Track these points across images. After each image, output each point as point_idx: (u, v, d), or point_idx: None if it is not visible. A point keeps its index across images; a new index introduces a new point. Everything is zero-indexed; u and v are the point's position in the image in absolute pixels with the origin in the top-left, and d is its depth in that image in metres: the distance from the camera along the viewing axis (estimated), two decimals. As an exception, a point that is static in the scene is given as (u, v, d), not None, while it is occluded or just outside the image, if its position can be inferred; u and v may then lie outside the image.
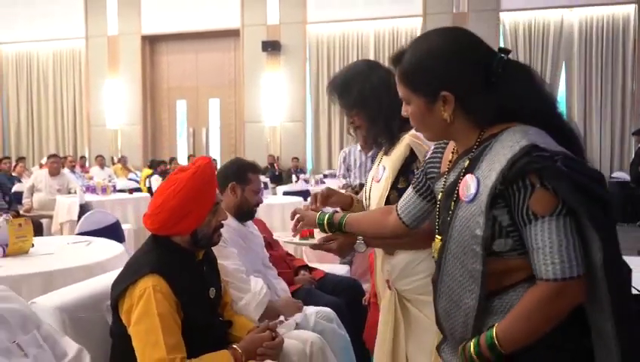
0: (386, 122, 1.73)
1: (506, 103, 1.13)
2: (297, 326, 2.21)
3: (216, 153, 12.95)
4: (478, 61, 1.15)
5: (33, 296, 1.77)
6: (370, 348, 2.74)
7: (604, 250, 1.00)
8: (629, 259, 3.79)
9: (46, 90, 13.89)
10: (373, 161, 2.10)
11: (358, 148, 4.63)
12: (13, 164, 9.23)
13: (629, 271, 1.09)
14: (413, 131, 1.68)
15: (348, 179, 4.80)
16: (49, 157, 7.27)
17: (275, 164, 11.44)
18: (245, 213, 2.46)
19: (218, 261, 2.09)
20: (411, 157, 1.70)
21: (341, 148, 11.79)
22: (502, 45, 8.61)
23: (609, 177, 10.11)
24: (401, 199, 1.47)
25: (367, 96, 1.74)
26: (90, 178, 9.21)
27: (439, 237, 1.22)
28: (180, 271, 1.70)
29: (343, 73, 1.85)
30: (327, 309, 2.46)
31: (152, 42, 13.26)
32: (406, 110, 1.25)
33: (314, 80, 11.94)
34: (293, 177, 10.17)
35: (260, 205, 2.61)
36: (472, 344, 1.11)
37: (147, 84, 13.31)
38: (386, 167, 1.77)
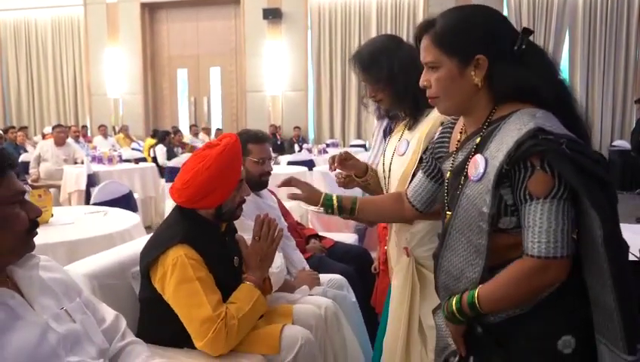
0: (413, 98, 1.72)
1: (523, 81, 1.17)
2: (311, 293, 2.31)
3: (217, 122, 12.96)
4: (507, 34, 1.20)
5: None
6: (379, 311, 2.87)
7: (604, 228, 1.06)
8: (628, 227, 3.88)
9: (45, 58, 13.79)
10: (385, 135, 2.14)
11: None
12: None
13: (627, 247, 1.17)
14: None
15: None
16: (54, 127, 7.29)
17: (277, 134, 11.46)
18: (252, 184, 2.42)
19: (239, 233, 2.18)
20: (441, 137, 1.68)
21: (343, 117, 11.82)
22: (505, 13, 8.51)
23: (609, 145, 10.18)
24: (411, 186, 1.51)
25: (395, 72, 1.73)
26: (94, 147, 9.25)
27: (450, 213, 1.26)
28: (207, 242, 1.78)
29: (370, 47, 1.82)
30: (339, 276, 2.56)
31: (151, 10, 13.11)
32: (427, 79, 1.25)
33: (315, 49, 11.85)
34: (296, 147, 10.21)
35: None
36: (454, 300, 1.21)
37: (147, 53, 13.21)
38: (410, 141, 1.78)
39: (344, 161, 1.93)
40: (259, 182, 2.49)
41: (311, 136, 12.17)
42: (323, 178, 5.45)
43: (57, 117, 13.60)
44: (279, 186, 1.69)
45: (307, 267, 2.60)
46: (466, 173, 1.21)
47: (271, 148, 2.63)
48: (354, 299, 2.51)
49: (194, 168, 1.78)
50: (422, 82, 1.27)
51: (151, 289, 1.75)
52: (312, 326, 1.92)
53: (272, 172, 2.57)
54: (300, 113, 12.08)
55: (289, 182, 1.64)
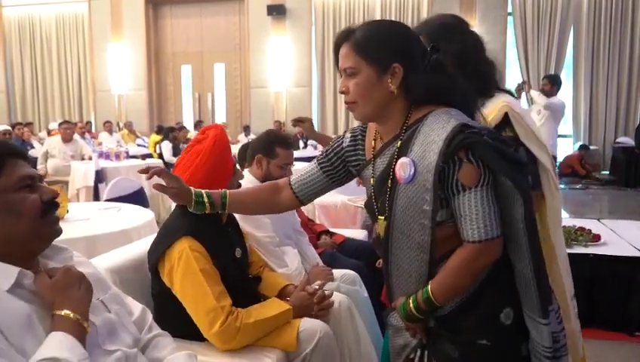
0: (484, 80, 1.65)
1: (436, 85, 1.27)
2: (325, 288, 2.34)
3: (222, 118, 12.98)
4: (419, 48, 1.30)
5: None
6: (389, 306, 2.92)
7: (525, 205, 1.19)
8: (632, 224, 3.91)
9: (50, 54, 13.81)
10: None
11: None
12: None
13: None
14: (503, 98, 1.64)
15: None
16: (61, 123, 7.34)
17: (281, 130, 11.48)
18: None
19: (250, 229, 2.22)
20: (501, 125, 1.61)
21: (347, 113, 11.83)
22: (510, 10, 8.55)
23: (613, 142, 10.19)
24: (298, 175, 1.52)
25: (468, 50, 1.63)
26: (99, 143, 9.31)
27: (382, 217, 1.33)
28: (210, 233, 1.81)
29: (441, 19, 1.71)
30: (351, 272, 2.59)
31: (155, 6, 13.12)
32: (345, 85, 1.30)
33: (319, 45, 11.86)
34: (300, 143, 10.24)
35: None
36: (410, 300, 1.29)
37: (151, 49, 13.22)
38: None
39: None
40: None
41: (315, 132, 12.17)
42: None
43: (62, 113, 13.63)
44: (146, 174, 1.45)
45: (320, 262, 2.63)
46: (393, 177, 1.28)
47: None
48: (366, 294, 2.55)
49: (191, 165, 1.81)
50: (340, 88, 1.33)
51: (161, 284, 1.79)
52: (329, 321, 1.96)
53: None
54: (304, 109, 12.09)
55: (159, 173, 1.45)
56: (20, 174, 1.16)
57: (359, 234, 3.53)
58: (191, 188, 1.48)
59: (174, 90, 13.53)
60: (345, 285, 2.44)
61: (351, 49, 1.29)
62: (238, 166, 1.99)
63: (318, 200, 5.67)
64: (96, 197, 6.06)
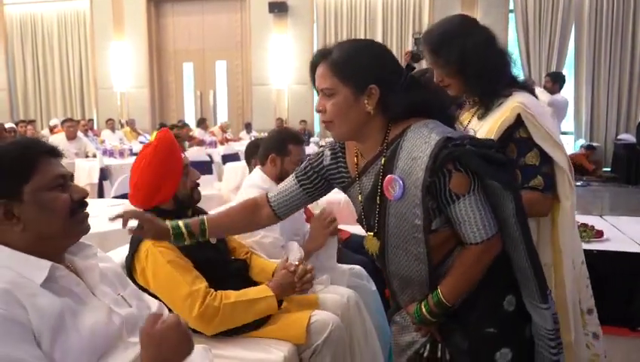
0: (487, 83, 1.62)
1: (414, 100, 1.30)
2: (332, 282, 2.38)
3: (223, 116, 13.01)
4: (395, 68, 1.33)
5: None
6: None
7: (515, 201, 1.26)
8: (634, 220, 3.91)
9: (51, 52, 13.83)
10: None
11: None
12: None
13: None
14: (519, 98, 1.61)
15: None
16: (64, 121, 7.37)
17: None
18: None
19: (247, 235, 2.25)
20: (515, 126, 1.59)
21: (348, 110, 11.84)
22: (511, 7, 8.57)
23: (615, 139, 10.20)
24: (277, 192, 1.53)
25: (468, 55, 1.60)
26: (102, 141, 9.32)
27: (371, 234, 1.38)
28: None
29: (441, 27, 1.70)
30: (358, 267, 2.63)
31: (157, 3, 13.13)
32: (322, 105, 1.31)
33: (321, 42, 11.82)
34: (303, 140, 10.23)
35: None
36: (422, 305, 1.35)
37: (153, 47, 13.23)
38: (477, 131, 1.63)
39: None
40: None
41: (316, 129, 12.21)
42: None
43: (64, 111, 13.65)
44: (119, 219, 1.42)
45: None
46: (381, 195, 1.32)
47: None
48: (374, 287, 2.58)
49: (137, 169, 1.89)
50: (317, 107, 1.34)
51: (141, 289, 1.82)
52: (339, 315, 1.99)
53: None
54: (306, 107, 12.11)
55: (134, 216, 1.43)
56: (54, 173, 1.20)
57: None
58: (167, 222, 1.45)
59: (176, 87, 13.54)
60: (353, 279, 2.47)
61: (328, 69, 1.30)
62: (191, 167, 2.01)
63: (323, 198, 5.69)
64: (101, 194, 6.09)
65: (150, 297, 1.54)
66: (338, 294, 2.18)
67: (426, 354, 1.46)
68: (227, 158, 7.16)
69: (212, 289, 1.79)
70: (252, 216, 1.54)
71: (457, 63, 1.63)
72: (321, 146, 7.87)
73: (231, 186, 6.04)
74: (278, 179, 2.45)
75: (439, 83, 1.69)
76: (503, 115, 1.61)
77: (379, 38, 11.23)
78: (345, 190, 1.47)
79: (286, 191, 1.53)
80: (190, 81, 13.42)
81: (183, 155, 1.97)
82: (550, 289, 1.42)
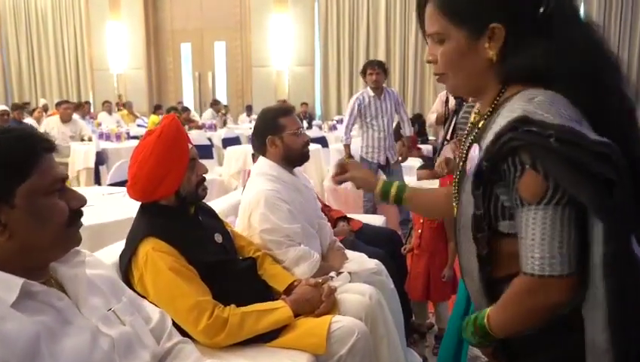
0: None
1: (540, 61, 0.95)
2: (352, 279, 2.19)
3: (222, 98, 12.75)
4: None
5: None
6: (414, 298, 2.77)
7: (608, 241, 0.84)
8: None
9: (46, 33, 13.53)
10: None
11: (371, 93, 4.53)
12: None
13: None
14: None
15: (351, 135, 4.71)
16: (59, 103, 7.10)
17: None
18: (295, 159, 2.30)
19: (264, 234, 2.09)
20: None
21: (350, 93, 11.60)
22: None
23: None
24: None
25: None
26: (99, 124, 9.08)
27: (455, 205, 1.11)
28: (174, 228, 1.68)
29: None
30: (376, 261, 2.44)
31: (154, -18, 12.81)
32: (433, 53, 1.05)
33: (323, 23, 11.57)
34: (305, 123, 10.03)
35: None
36: (469, 321, 1.06)
37: (150, 27, 12.94)
38: None
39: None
40: (302, 155, 2.31)
41: (318, 112, 11.97)
42: (340, 155, 5.31)
43: (59, 93, 13.39)
44: (335, 177, 1.51)
45: (338, 243, 2.49)
46: (463, 165, 1.05)
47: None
48: (392, 285, 2.39)
49: (137, 160, 1.68)
50: (427, 57, 1.09)
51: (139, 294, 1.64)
52: (363, 318, 1.79)
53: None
54: (307, 88, 11.86)
55: (343, 167, 1.48)
56: (53, 176, 1.01)
57: (377, 220, 3.35)
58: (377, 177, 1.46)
59: (174, 68, 13.26)
60: (373, 275, 2.28)
61: (436, 9, 1.02)
62: (199, 160, 1.83)
63: (327, 182, 5.52)
64: (97, 179, 5.88)
65: (151, 305, 1.34)
66: (359, 293, 1.98)
67: None
68: (228, 142, 6.94)
69: (218, 302, 1.62)
70: (447, 200, 1.26)
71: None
72: (321, 128, 7.59)
73: (232, 171, 5.85)
74: (285, 158, 2.29)
75: None
76: None
77: (382, 18, 10.94)
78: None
79: None
80: (188, 62, 13.13)
81: (189, 146, 1.76)
82: None
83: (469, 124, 1.13)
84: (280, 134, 2.27)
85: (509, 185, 0.92)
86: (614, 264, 0.85)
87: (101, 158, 5.94)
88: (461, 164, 1.09)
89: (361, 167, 1.50)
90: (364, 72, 4.55)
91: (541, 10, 0.95)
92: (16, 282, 0.94)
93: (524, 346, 1.02)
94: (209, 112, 10.26)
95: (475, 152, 0.98)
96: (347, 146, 4.74)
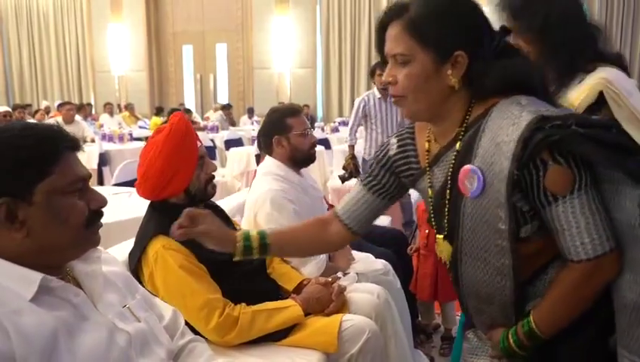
0: (569, 56, 1.45)
1: (510, 73, 1.02)
2: (359, 280, 2.18)
3: (224, 100, 12.76)
4: (487, 30, 1.05)
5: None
6: (422, 298, 2.76)
7: None
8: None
9: (47, 35, 13.55)
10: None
11: (377, 95, 4.53)
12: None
13: None
14: (602, 73, 1.43)
15: (356, 136, 4.72)
16: (61, 104, 7.11)
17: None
18: (301, 160, 2.30)
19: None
20: (597, 105, 1.41)
21: (352, 95, 11.61)
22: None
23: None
24: (343, 204, 1.28)
25: (552, 22, 1.45)
26: (101, 126, 9.09)
27: (441, 236, 1.13)
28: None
29: None
30: (383, 261, 2.43)
31: (155, -16, 12.83)
32: (393, 75, 1.06)
33: (324, 25, 11.60)
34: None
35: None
36: (510, 334, 1.07)
37: (152, 29, 12.96)
38: None
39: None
40: (308, 156, 2.30)
41: (319, 114, 11.98)
42: (343, 157, 5.30)
43: (61, 94, 13.41)
44: (178, 228, 1.20)
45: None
46: (452, 189, 1.05)
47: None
48: (399, 285, 2.38)
49: (147, 158, 1.67)
50: (386, 77, 1.08)
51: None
52: (373, 317, 1.78)
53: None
54: (309, 91, 11.87)
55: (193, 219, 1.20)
56: (75, 175, 0.99)
57: (383, 220, 3.35)
58: (236, 233, 1.23)
59: (175, 70, 13.28)
60: (380, 275, 2.28)
61: (404, 30, 1.03)
62: (208, 158, 1.83)
63: (331, 184, 5.52)
64: (100, 181, 5.87)
65: (163, 304, 1.33)
66: (367, 292, 1.98)
67: None
68: (230, 143, 6.93)
69: (228, 301, 1.62)
70: (320, 233, 1.29)
71: (539, 30, 1.46)
72: (323, 130, 7.56)
73: (235, 172, 5.85)
74: (291, 159, 2.28)
75: None
76: (582, 93, 1.42)
77: (384, 20, 10.95)
78: (413, 184, 1.20)
79: (353, 200, 1.27)
80: (190, 64, 13.15)
81: (198, 144, 1.75)
82: None
83: (426, 153, 1.14)
84: (287, 134, 2.26)
85: (531, 189, 0.97)
86: None
87: (104, 160, 5.93)
88: (432, 192, 1.12)
89: (216, 221, 1.24)
90: (372, 73, 4.54)
91: (494, 44, 1.05)
92: (34, 277, 0.94)
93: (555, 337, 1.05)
94: (218, 114, 10.24)
95: (474, 172, 1.00)
96: (352, 147, 4.73)
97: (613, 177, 0.96)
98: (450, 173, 1.07)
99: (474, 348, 1.21)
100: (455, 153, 1.06)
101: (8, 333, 0.85)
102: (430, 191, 1.14)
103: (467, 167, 1.02)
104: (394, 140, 1.23)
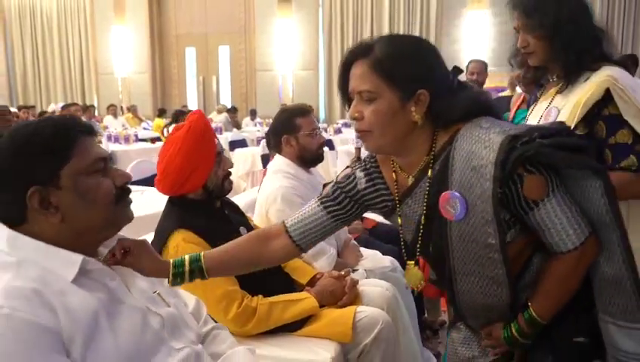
0: (577, 55, 1.51)
1: (466, 104, 1.12)
2: (367, 276, 2.23)
3: (227, 102, 12.81)
4: (444, 70, 1.15)
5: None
6: (429, 294, 2.81)
7: (607, 191, 1.06)
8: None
9: (51, 37, 13.61)
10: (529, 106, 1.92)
11: None
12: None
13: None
14: (608, 71, 1.49)
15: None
16: (68, 105, 7.18)
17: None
18: (309, 159, 2.35)
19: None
20: (603, 102, 1.46)
21: (354, 97, 11.66)
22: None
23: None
24: (296, 220, 1.29)
25: (563, 20, 1.51)
26: (105, 127, 9.15)
27: (412, 263, 1.20)
28: (203, 220, 1.73)
29: None
30: (390, 258, 2.48)
31: (158, -14, 12.90)
32: (359, 110, 1.12)
33: (327, 27, 11.65)
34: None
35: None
36: (512, 326, 1.15)
37: (155, 31, 13.02)
38: (561, 109, 1.54)
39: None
40: (316, 156, 2.35)
41: (322, 116, 12.03)
42: (347, 158, 5.36)
43: (64, 96, 13.46)
44: (111, 258, 1.09)
45: (353, 240, 2.54)
46: (439, 216, 1.11)
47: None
48: (405, 280, 2.43)
49: (166, 155, 1.73)
50: (352, 113, 1.13)
51: None
52: (385, 309, 1.84)
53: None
54: (311, 93, 11.92)
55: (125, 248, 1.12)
56: (95, 156, 1.04)
57: (389, 218, 3.40)
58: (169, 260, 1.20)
59: (178, 73, 13.33)
60: (387, 272, 2.33)
61: (370, 69, 1.09)
62: (225, 154, 1.88)
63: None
64: (106, 181, 5.93)
65: (186, 293, 1.39)
66: (378, 286, 2.03)
67: None
68: (235, 144, 7.00)
69: (246, 293, 1.67)
70: (260, 248, 1.28)
71: (550, 28, 1.52)
72: (326, 131, 7.56)
73: (240, 173, 5.91)
74: (300, 158, 2.33)
75: (523, 48, 1.60)
76: (589, 90, 1.47)
77: (385, 22, 11.03)
78: (387, 216, 1.25)
79: (309, 218, 1.28)
80: (192, 67, 13.20)
81: (216, 141, 1.81)
82: None
83: (395, 182, 1.20)
84: (296, 134, 2.31)
85: (512, 201, 1.07)
86: (615, 207, 1.06)
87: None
88: (401, 221, 1.20)
89: (149, 250, 1.16)
90: None
91: (449, 83, 1.15)
92: (75, 259, 0.99)
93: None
94: (222, 116, 10.31)
95: (454, 197, 1.07)
96: (358, 149, 4.79)
97: (576, 174, 1.08)
98: (426, 202, 1.14)
99: (465, 338, 1.28)
100: (429, 182, 1.13)
101: (56, 312, 0.90)
102: (405, 221, 1.20)
103: (447, 193, 1.08)
104: (360, 174, 1.26)
